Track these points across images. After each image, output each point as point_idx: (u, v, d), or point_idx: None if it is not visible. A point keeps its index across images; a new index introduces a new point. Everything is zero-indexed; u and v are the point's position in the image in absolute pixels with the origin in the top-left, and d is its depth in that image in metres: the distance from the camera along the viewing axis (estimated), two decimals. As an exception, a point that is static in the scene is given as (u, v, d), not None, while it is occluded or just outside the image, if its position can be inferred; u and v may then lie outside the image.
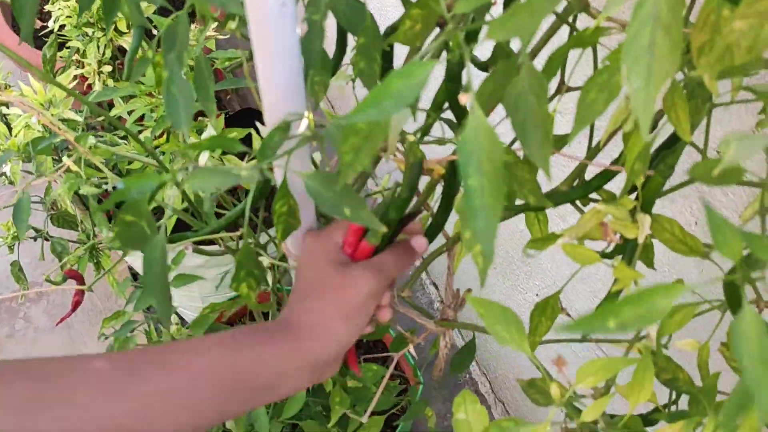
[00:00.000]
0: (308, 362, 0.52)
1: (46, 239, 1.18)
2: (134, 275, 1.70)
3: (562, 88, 0.58)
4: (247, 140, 1.02)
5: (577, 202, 0.60)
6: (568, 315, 0.66)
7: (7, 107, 0.96)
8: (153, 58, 0.55)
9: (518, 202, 0.55)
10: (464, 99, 0.31)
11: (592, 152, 0.57)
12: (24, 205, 0.75)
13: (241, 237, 0.68)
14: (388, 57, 0.61)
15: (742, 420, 0.35)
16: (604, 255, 0.55)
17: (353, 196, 0.43)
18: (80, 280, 1.02)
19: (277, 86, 0.46)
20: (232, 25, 0.49)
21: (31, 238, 1.17)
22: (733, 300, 0.44)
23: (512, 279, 1.36)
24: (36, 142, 0.76)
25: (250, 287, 0.57)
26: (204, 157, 0.81)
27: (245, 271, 0.55)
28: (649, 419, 0.53)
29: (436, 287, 1.83)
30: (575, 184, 0.59)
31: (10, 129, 1.00)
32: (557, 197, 0.58)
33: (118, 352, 0.48)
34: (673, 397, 0.56)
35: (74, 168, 0.70)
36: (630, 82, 0.28)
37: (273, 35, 0.42)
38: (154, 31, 1.09)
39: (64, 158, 0.71)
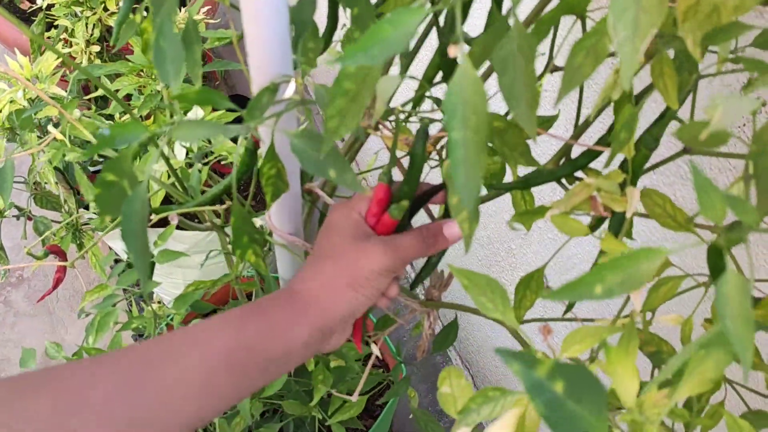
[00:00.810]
0: (316, 327, 0.53)
1: (29, 218, 1.17)
2: (116, 260, 1.69)
3: (550, 65, 0.58)
4: (235, 123, 1.02)
5: (563, 181, 0.60)
6: (550, 289, 0.66)
7: (-7, 82, 0.95)
8: (140, 24, 0.55)
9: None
10: (453, 51, 0.31)
11: (579, 129, 0.57)
12: (7, 172, 0.74)
13: (227, 210, 0.67)
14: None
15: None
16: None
17: (339, 158, 0.43)
18: (62, 255, 1.01)
19: (264, 48, 0.45)
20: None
21: (13, 216, 1.16)
22: (715, 265, 0.44)
23: (496, 271, 1.36)
24: (19, 113, 0.75)
25: (256, 254, 0.56)
26: (195, 112, 0.80)
27: (247, 237, 0.55)
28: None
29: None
30: (561, 162, 0.59)
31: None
32: (543, 176, 0.58)
33: (130, 348, 0.48)
34: (656, 373, 0.56)
35: (60, 137, 0.70)
36: (616, 33, 0.28)
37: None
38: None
39: (50, 127, 0.70)
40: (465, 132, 0.30)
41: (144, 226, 0.39)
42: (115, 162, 0.39)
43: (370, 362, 0.63)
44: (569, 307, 0.63)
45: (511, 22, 0.34)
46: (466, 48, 0.34)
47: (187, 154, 0.83)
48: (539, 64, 0.53)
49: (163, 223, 0.95)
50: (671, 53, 0.44)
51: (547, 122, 0.68)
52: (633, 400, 0.38)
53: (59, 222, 1.20)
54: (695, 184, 0.33)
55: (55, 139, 0.74)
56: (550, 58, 0.58)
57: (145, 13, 0.57)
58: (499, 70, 0.36)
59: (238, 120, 1.04)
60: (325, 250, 0.56)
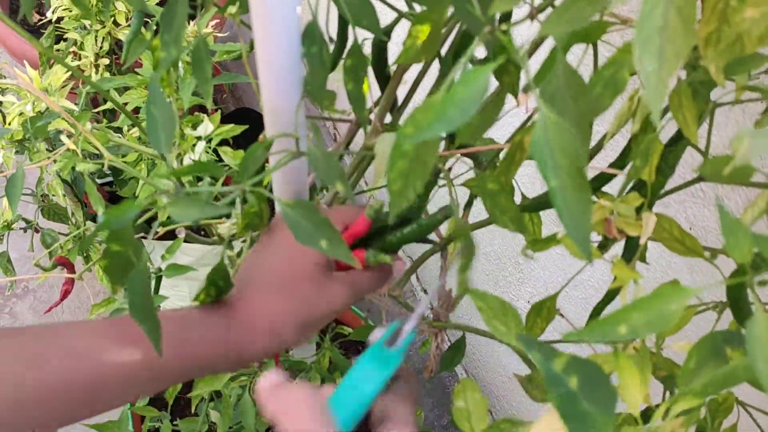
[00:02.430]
0: (237, 358, 0.51)
1: (36, 230, 1.17)
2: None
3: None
4: (242, 137, 1.02)
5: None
6: (562, 316, 0.66)
7: (2, 95, 0.96)
8: (150, 41, 0.55)
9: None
10: (524, 99, 0.30)
11: (592, 152, 0.57)
12: (17, 180, 0.74)
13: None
14: (382, 55, 0.61)
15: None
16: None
17: (332, 229, 0.42)
18: (70, 267, 1.01)
19: (275, 67, 0.46)
20: (233, 9, 0.48)
21: (21, 228, 1.16)
22: (737, 303, 0.43)
23: (504, 286, 1.35)
24: (34, 120, 0.75)
25: None
26: (200, 147, 0.80)
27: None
28: (644, 417, 0.53)
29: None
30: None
31: (3, 117, 0.99)
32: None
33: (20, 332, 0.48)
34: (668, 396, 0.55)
35: (72, 147, 0.70)
36: (642, 65, 0.27)
37: (273, 12, 0.42)
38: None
39: (63, 137, 0.70)
40: (561, 179, 0.29)
41: (149, 297, 0.41)
42: (119, 233, 0.41)
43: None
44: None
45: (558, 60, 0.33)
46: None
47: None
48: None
49: (171, 236, 0.95)
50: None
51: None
52: (637, 409, 0.38)
53: (66, 234, 1.21)
54: (722, 225, 0.32)
55: (67, 149, 0.74)
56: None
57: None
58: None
59: (245, 134, 1.04)
60: (286, 278, 0.52)
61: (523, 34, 0.54)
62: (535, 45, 0.53)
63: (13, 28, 0.50)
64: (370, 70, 0.58)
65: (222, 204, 0.43)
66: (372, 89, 0.59)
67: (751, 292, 0.38)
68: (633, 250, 0.51)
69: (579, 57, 0.52)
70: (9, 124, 0.93)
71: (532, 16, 0.38)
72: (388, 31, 0.59)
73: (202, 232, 1.30)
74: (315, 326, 0.52)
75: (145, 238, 1.33)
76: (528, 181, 1.07)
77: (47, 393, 0.44)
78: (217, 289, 0.50)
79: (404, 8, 0.57)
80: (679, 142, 0.49)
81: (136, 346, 0.47)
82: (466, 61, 0.36)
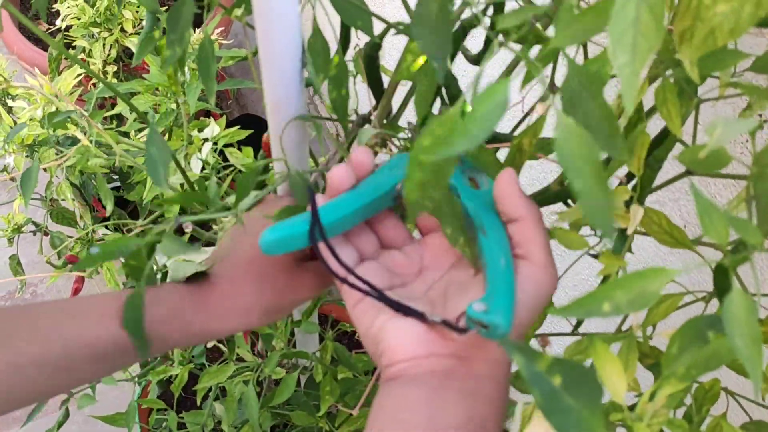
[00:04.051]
0: (200, 337, 0.52)
1: (45, 234, 1.20)
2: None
3: (553, 90, 0.60)
4: (246, 142, 1.04)
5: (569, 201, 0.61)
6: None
7: (12, 100, 0.98)
8: (159, 40, 0.57)
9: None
10: (542, 109, 0.32)
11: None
12: (32, 173, 0.77)
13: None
14: (373, 66, 0.63)
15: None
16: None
17: None
18: (80, 267, 1.03)
19: (277, 66, 0.48)
20: (238, 12, 0.51)
21: (30, 232, 1.18)
22: (721, 285, 0.45)
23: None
24: (52, 115, 0.78)
25: None
26: (206, 148, 0.83)
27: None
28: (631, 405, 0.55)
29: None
30: (566, 183, 0.61)
31: (15, 123, 1.02)
32: (549, 196, 0.60)
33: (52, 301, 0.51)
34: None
35: (86, 142, 0.72)
36: (615, 58, 0.29)
37: (274, 9, 0.45)
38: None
39: (76, 133, 0.73)
40: (584, 181, 0.31)
41: (140, 315, 0.49)
42: (135, 254, 0.47)
43: (375, 375, 0.64)
44: (578, 325, 0.65)
45: (564, 64, 0.35)
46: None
47: (203, 169, 0.86)
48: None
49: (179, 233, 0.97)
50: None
51: (550, 144, 0.69)
52: (621, 396, 0.39)
53: (75, 238, 1.23)
54: (697, 207, 0.34)
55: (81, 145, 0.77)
56: (552, 83, 0.59)
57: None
58: (569, 110, 0.36)
59: (249, 139, 1.07)
60: (259, 264, 0.53)
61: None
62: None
63: (28, 27, 0.52)
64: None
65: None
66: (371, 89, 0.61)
67: (733, 275, 0.40)
68: (622, 242, 0.53)
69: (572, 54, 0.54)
70: (20, 128, 0.95)
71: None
72: (382, 36, 0.62)
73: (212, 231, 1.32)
74: (282, 312, 0.54)
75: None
76: (526, 181, 1.09)
77: (15, 368, 0.46)
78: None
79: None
80: (668, 136, 0.51)
81: (101, 322, 0.48)
82: (480, 74, 0.38)
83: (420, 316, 0.42)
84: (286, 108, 0.52)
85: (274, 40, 0.47)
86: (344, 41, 0.65)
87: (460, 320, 0.40)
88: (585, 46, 0.53)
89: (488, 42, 0.53)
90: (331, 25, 0.55)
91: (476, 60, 0.60)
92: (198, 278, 0.53)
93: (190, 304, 0.52)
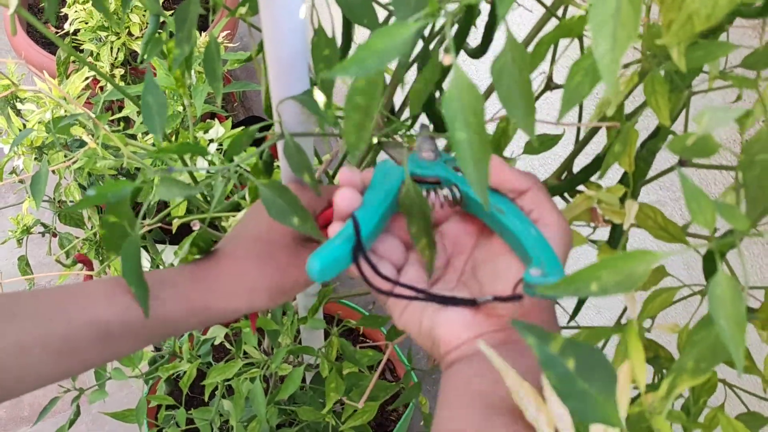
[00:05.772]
0: (206, 318, 0.52)
1: (54, 235, 1.21)
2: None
3: (550, 85, 0.61)
4: (252, 143, 1.06)
5: (565, 194, 0.62)
6: (558, 304, 0.68)
7: (21, 103, 1.00)
8: (166, 42, 0.59)
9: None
10: (447, 60, 0.33)
11: (580, 145, 0.60)
12: (42, 175, 0.78)
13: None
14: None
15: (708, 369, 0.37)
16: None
17: (302, 208, 0.47)
18: (90, 265, 1.05)
19: (283, 62, 0.49)
20: (242, 10, 0.52)
21: (39, 233, 1.20)
22: (710, 271, 0.46)
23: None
24: (57, 120, 0.80)
25: None
26: (212, 148, 0.84)
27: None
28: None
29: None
30: (563, 177, 0.62)
31: (24, 126, 1.04)
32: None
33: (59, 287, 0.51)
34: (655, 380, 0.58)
35: (93, 145, 0.74)
36: (596, 46, 0.30)
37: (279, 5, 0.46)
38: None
39: (84, 136, 0.74)
40: (468, 133, 0.33)
41: (139, 264, 0.46)
42: (116, 206, 0.45)
43: (378, 369, 0.65)
44: (575, 312, 0.65)
45: (503, 37, 0.36)
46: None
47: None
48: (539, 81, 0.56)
49: (186, 232, 0.99)
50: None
51: (551, 140, 0.70)
52: (643, 387, 0.39)
53: (83, 239, 1.25)
54: (685, 193, 0.35)
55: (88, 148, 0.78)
56: (549, 78, 0.60)
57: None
58: (496, 80, 0.38)
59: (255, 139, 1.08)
60: (265, 244, 0.54)
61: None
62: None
63: (38, 30, 0.54)
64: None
65: (201, 184, 0.46)
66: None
67: (720, 260, 0.41)
68: (618, 237, 0.54)
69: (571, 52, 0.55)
70: (29, 130, 0.97)
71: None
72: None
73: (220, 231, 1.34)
74: (287, 293, 0.54)
75: (163, 242, 1.37)
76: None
77: (21, 349, 0.46)
78: (199, 250, 0.53)
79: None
80: (660, 131, 0.52)
81: (106, 299, 0.49)
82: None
83: (471, 303, 0.46)
84: (291, 102, 0.53)
85: (279, 34, 0.48)
86: (346, 40, 0.67)
87: (516, 289, 0.43)
88: (581, 40, 0.54)
89: (487, 37, 0.54)
90: (332, 25, 0.56)
91: (474, 54, 0.61)
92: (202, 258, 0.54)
93: (188, 275, 0.52)
